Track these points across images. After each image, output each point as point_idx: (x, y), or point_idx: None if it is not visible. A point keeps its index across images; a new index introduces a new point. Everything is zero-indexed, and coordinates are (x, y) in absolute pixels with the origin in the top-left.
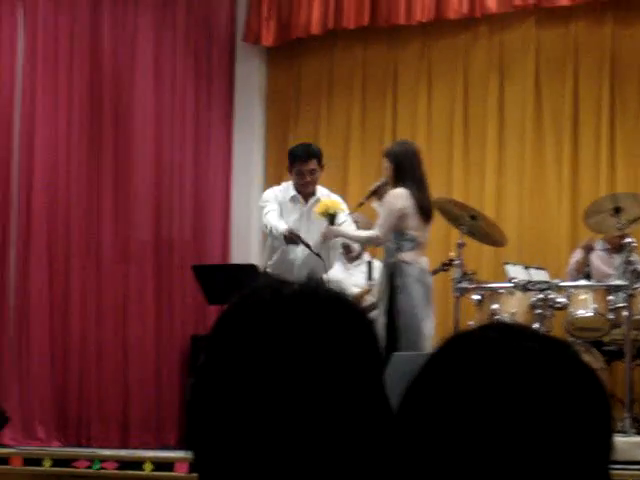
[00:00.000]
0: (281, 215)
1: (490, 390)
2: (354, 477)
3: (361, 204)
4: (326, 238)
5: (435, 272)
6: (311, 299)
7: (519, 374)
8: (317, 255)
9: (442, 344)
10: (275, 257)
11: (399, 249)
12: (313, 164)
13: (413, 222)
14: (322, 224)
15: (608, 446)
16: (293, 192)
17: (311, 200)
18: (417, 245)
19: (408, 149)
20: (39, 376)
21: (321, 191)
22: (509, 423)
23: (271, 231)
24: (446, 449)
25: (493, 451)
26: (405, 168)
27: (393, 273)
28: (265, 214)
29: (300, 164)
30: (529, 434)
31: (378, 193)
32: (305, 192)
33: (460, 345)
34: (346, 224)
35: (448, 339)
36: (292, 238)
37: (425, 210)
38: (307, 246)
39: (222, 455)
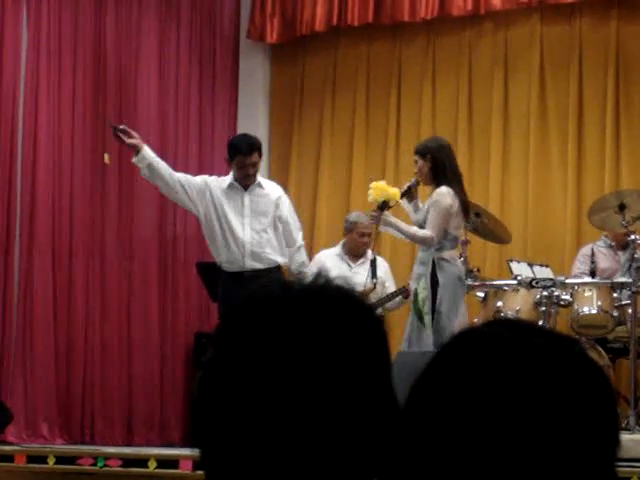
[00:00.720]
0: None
1: (498, 386)
2: (361, 473)
3: (391, 206)
4: (375, 224)
5: None
6: (320, 295)
7: (527, 370)
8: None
9: (449, 340)
10: (222, 249)
11: (440, 248)
12: (255, 157)
13: (456, 221)
14: (268, 210)
15: (615, 442)
16: (230, 180)
17: (251, 186)
18: (457, 244)
19: (443, 144)
20: (43, 374)
21: (262, 180)
22: (517, 419)
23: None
24: (453, 445)
25: (500, 447)
26: (444, 164)
27: (434, 270)
28: None
29: (242, 157)
30: (536, 430)
31: (409, 194)
32: (245, 183)
33: (467, 341)
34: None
35: (455, 335)
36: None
37: (466, 207)
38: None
39: (229, 452)
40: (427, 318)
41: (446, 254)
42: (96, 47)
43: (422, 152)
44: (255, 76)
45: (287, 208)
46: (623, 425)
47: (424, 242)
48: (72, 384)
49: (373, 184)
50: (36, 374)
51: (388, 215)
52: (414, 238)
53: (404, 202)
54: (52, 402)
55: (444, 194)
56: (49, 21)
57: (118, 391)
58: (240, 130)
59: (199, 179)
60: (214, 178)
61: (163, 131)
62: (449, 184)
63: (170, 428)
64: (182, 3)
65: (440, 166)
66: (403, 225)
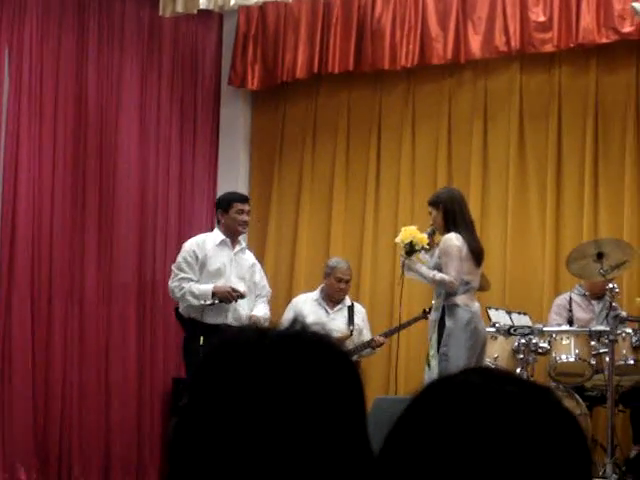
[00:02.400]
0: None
1: (471, 434)
2: None
3: (417, 250)
4: (406, 270)
5: (417, 319)
6: (296, 341)
7: (500, 419)
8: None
9: (423, 388)
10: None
11: (452, 293)
12: (249, 205)
13: (466, 266)
14: (246, 276)
15: None
16: (222, 236)
17: (237, 247)
18: (470, 289)
19: (455, 194)
20: (21, 418)
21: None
22: (489, 468)
23: (197, 297)
24: None
25: None
26: (455, 213)
27: (443, 315)
28: (182, 285)
29: (240, 203)
30: (509, 478)
31: (428, 244)
32: (239, 232)
33: (442, 389)
34: None
35: (429, 384)
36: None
37: (477, 253)
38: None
39: None
40: (433, 362)
41: (458, 299)
42: (77, 94)
43: (435, 203)
44: (236, 122)
45: (259, 274)
46: (600, 473)
47: (443, 284)
48: (49, 429)
49: (403, 228)
50: (14, 418)
51: (412, 261)
52: (434, 281)
53: (422, 252)
54: (30, 447)
55: (451, 239)
56: (31, 68)
57: (95, 436)
58: (221, 175)
59: (191, 272)
60: (201, 239)
61: (143, 177)
62: (458, 231)
63: (147, 473)
64: (163, 49)
65: (451, 215)
66: (424, 269)
